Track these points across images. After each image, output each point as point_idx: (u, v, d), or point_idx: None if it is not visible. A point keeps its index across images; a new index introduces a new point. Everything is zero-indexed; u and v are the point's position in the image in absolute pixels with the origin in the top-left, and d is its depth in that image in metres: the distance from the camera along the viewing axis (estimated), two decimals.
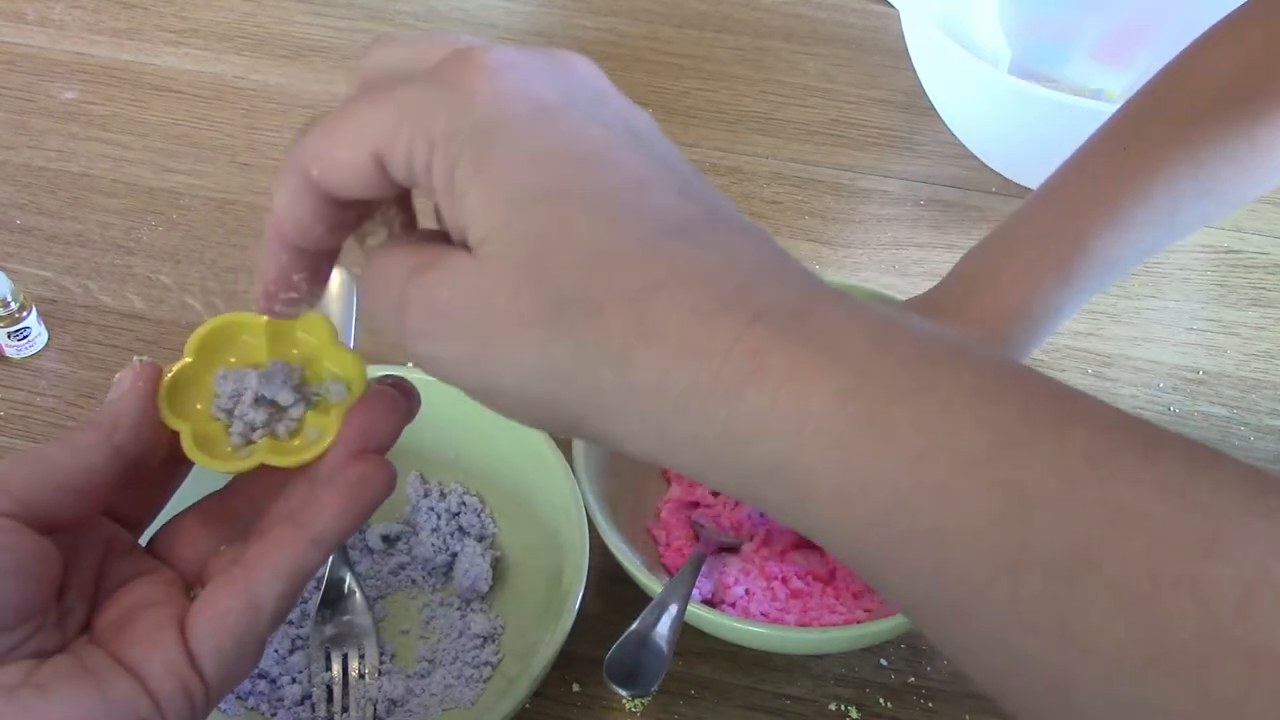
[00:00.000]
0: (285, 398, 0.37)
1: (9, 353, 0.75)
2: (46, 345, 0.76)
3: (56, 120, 0.91)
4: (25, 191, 0.86)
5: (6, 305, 0.73)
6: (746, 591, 0.61)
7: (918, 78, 0.87)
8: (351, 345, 0.68)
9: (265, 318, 0.38)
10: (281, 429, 0.38)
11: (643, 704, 0.60)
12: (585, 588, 0.58)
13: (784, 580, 0.62)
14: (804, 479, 0.27)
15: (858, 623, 0.59)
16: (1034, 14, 0.91)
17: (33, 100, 0.92)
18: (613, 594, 0.63)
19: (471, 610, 0.62)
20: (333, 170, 0.30)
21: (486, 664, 0.60)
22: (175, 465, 0.38)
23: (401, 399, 0.37)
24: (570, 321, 0.28)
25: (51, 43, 0.97)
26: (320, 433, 0.37)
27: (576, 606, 0.57)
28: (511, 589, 0.63)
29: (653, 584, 0.57)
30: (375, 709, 0.58)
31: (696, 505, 0.65)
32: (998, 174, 0.86)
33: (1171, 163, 0.56)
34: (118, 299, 0.79)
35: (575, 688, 0.61)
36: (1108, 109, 0.76)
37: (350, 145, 0.30)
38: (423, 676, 0.60)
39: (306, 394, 0.38)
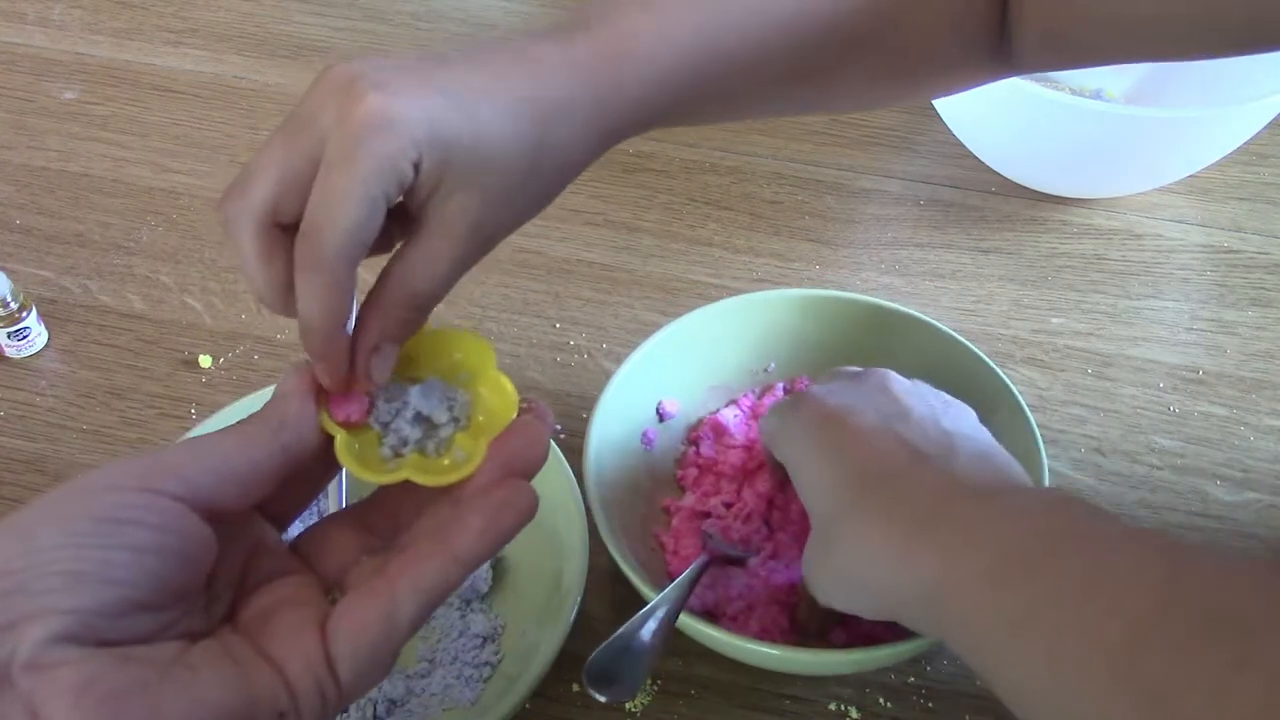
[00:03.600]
0: (440, 416, 0.38)
1: (9, 353, 0.75)
2: (46, 345, 0.76)
3: (56, 120, 0.91)
4: (25, 191, 0.86)
5: (6, 305, 0.73)
6: (748, 606, 0.60)
7: None
8: None
9: (430, 332, 0.40)
10: (431, 446, 0.38)
11: (643, 704, 0.60)
12: (585, 588, 0.58)
13: (788, 598, 0.61)
14: (944, 616, 0.43)
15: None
16: None
17: (33, 100, 0.92)
18: (613, 594, 0.63)
19: (471, 610, 0.62)
20: None
21: (486, 664, 0.60)
22: (324, 468, 0.39)
23: (544, 430, 0.39)
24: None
25: (51, 43, 0.97)
26: (467, 455, 0.38)
27: (576, 606, 0.57)
28: (511, 589, 0.63)
29: (648, 590, 0.56)
30: (375, 709, 0.58)
31: (707, 515, 0.65)
32: (998, 174, 0.86)
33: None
34: (118, 299, 0.79)
35: (575, 688, 0.61)
36: (1108, 109, 0.77)
37: None
38: (423, 676, 0.60)
39: (458, 415, 0.39)
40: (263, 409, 0.37)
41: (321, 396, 0.38)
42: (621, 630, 0.54)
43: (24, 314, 0.74)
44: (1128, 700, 0.33)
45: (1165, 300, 0.79)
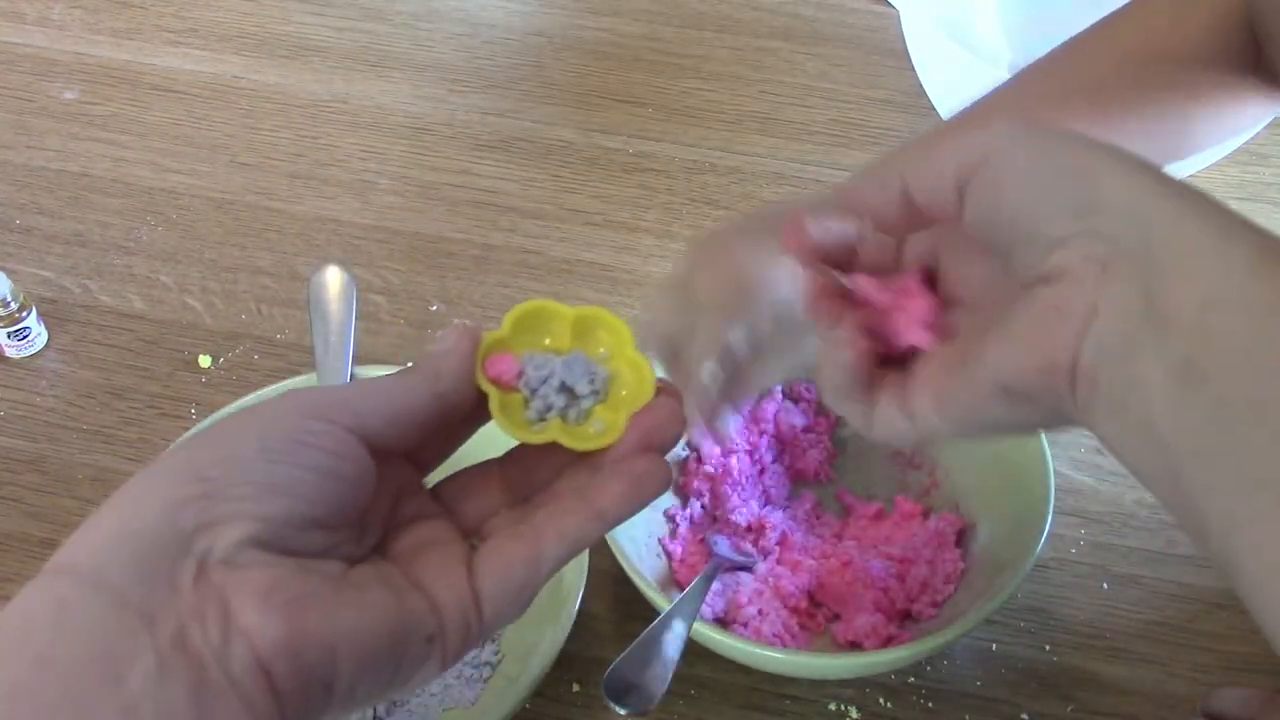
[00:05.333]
0: (583, 388, 0.41)
1: (9, 353, 0.75)
2: (46, 345, 0.76)
3: (56, 120, 0.91)
4: (25, 191, 0.86)
5: (6, 305, 0.73)
6: (760, 612, 0.60)
7: (918, 78, 0.87)
8: (351, 345, 0.68)
9: (574, 310, 0.43)
10: (572, 414, 0.41)
11: None
12: (585, 588, 0.58)
13: (797, 603, 0.61)
14: None
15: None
16: (1034, 14, 0.91)
17: (33, 100, 0.92)
18: (613, 594, 0.63)
19: None
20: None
21: (486, 664, 0.60)
22: (468, 423, 0.41)
23: (680, 409, 0.41)
24: None
25: (51, 43, 0.97)
26: (605, 426, 0.41)
27: (576, 606, 0.57)
28: None
29: (661, 600, 0.56)
30: (375, 709, 0.58)
31: (713, 521, 0.65)
32: None
33: (1077, 113, 0.62)
34: (118, 299, 0.79)
35: (575, 688, 0.61)
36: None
37: None
38: None
39: (599, 389, 0.42)
40: (420, 362, 0.40)
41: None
42: (638, 641, 0.53)
43: (24, 314, 0.74)
44: None
45: None
